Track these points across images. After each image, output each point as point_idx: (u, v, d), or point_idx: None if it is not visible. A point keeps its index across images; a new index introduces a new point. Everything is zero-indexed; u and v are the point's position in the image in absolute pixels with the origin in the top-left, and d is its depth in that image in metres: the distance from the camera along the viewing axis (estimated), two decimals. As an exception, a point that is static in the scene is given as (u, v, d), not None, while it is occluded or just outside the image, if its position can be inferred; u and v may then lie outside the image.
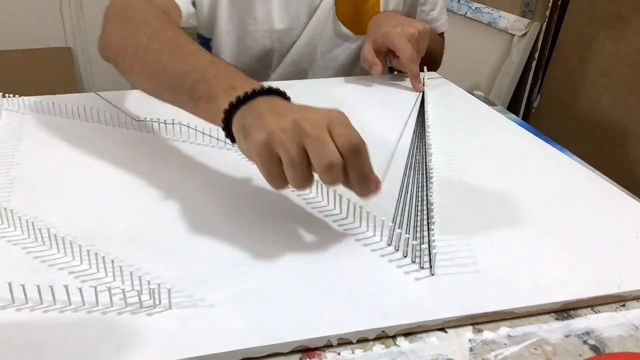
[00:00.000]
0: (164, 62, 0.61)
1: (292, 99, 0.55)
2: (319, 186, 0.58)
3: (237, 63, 0.98)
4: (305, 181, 0.46)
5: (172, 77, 0.60)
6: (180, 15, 0.83)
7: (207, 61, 0.58)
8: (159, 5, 0.75)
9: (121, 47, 0.68)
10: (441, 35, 1.09)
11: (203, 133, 0.69)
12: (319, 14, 0.94)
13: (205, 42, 0.99)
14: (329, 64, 1.00)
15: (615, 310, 0.45)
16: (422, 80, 0.87)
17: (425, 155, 0.64)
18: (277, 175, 0.47)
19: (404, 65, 0.87)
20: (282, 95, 0.52)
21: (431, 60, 1.01)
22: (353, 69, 1.02)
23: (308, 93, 0.71)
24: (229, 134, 0.51)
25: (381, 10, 0.98)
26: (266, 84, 0.54)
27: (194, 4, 0.89)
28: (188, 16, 0.86)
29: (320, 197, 0.58)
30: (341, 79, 0.94)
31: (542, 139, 0.73)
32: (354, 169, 0.47)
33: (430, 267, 0.47)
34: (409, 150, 0.67)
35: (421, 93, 0.86)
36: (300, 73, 0.99)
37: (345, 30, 0.97)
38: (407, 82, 0.90)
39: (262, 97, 0.50)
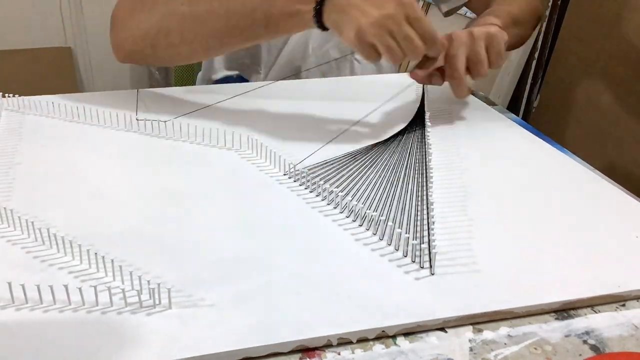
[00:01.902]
0: (221, 16, 0.65)
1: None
2: (320, 188, 0.58)
3: (227, 57, 0.98)
4: (401, 55, 0.60)
5: (238, 22, 0.64)
6: None
7: None
8: None
9: (160, 29, 0.69)
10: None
11: (203, 133, 0.69)
12: None
13: None
14: (321, 59, 1.00)
15: (615, 310, 0.45)
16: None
17: (425, 155, 0.64)
18: (374, 57, 0.60)
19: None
20: None
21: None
22: (345, 62, 1.02)
23: (308, 92, 0.72)
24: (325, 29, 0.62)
25: None
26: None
27: None
28: None
29: (320, 198, 0.58)
30: (341, 78, 0.94)
31: (542, 139, 0.73)
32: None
33: (430, 266, 0.47)
34: (409, 150, 0.67)
35: (421, 92, 0.85)
36: (294, 70, 0.99)
37: None
38: (407, 82, 0.90)
39: None
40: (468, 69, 0.70)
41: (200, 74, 1.08)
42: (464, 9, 1.01)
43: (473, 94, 0.88)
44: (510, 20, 0.78)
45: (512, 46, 0.85)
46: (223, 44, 0.68)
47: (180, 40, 0.68)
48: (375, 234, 0.52)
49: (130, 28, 0.72)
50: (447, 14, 1.00)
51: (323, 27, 0.62)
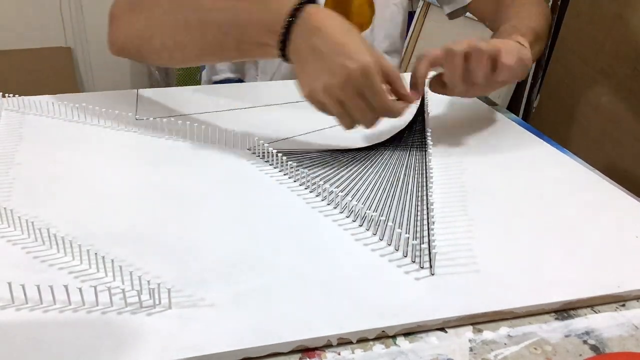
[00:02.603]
0: (196, 31, 0.64)
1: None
2: (320, 188, 0.58)
3: None
4: (351, 122, 0.59)
5: (213, 40, 0.63)
6: None
7: (231, 6, 0.62)
8: None
9: (145, 33, 0.70)
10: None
11: (203, 133, 0.69)
12: None
13: None
14: None
15: (615, 310, 0.45)
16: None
17: (425, 155, 0.64)
18: (330, 114, 0.59)
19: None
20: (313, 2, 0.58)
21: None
22: None
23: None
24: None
25: (375, 8, 0.96)
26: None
27: None
28: None
29: (320, 198, 0.58)
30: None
31: (542, 139, 0.73)
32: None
33: (430, 267, 0.47)
34: (409, 150, 0.67)
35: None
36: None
37: None
38: (407, 82, 0.90)
39: (298, 28, 0.56)
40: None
41: (204, 72, 1.08)
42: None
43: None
44: (534, 37, 0.75)
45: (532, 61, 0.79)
46: (200, 57, 0.70)
47: (161, 47, 0.69)
48: (375, 234, 0.52)
49: (122, 27, 0.74)
50: (451, 16, 0.99)
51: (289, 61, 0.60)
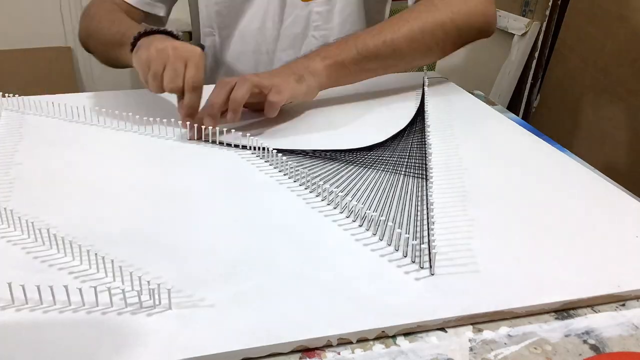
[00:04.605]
0: (104, 33, 0.87)
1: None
2: (320, 188, 0.58)
3: None
4: (158, 88, 0.68)
5: (110, 39, 0.83)
6: (140, 13, 0.97)
7: (125, 25, 0.83)
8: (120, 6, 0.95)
9: (88, 35, 0.95)
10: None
11: (203, 133, 0.69)
12: None
13: None
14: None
15: (615, 309, 0.45)
16: (424, 82, 0.83)
17: (425, 155, 0.65)
18: (145, 74, 0.69)
19: None
20: (171, 34, 0.74)
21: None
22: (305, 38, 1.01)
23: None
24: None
25: None
26: None
27: None
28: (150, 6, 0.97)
29: (321, 198, 0.58)
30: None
31: (542, 139, 0.73)
32: (188, 102, 0.68)
33: (430, 266, 0.47)
34: (409, 150, 0.67)
35: (421, 92, 0.86)
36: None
37: None
38: (407, 82, 0.90)
39: (149, 37, 0.72)
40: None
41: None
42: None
43: (473, 94, 0.89)
44: (358, 57, 0.79)
45: (389, 71, 0.84)
46: (107, 54, 0.88)
47: (94, 47, 0.93)
48: (375, 234, 0.52)
49: (81, 28, 0.97)
50: None
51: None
